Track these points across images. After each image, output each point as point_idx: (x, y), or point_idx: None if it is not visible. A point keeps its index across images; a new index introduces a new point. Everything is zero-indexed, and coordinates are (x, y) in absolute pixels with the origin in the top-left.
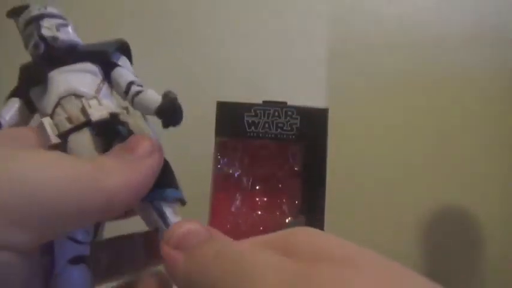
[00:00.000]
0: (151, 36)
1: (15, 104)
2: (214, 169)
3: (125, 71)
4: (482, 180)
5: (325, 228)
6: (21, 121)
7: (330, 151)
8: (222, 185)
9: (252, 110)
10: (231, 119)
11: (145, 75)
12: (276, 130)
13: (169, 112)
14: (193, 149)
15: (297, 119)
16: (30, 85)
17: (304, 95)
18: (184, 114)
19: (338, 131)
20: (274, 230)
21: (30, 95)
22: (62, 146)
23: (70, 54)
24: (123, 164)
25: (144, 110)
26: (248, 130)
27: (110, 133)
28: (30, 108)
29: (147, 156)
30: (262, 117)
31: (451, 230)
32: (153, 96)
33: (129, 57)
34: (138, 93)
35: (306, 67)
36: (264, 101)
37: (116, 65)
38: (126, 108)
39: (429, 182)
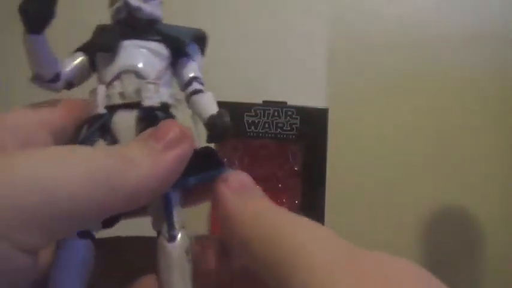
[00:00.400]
0: None
1: (79, 58)
2: None
3: (193, 65)
4: (482, 180)
5: None
6: (80, 77)
7: (330, 151)
8: None
9: (252, 110)
10: (231, 119)
11: None
12: (276, 130)
13: (218, 129)
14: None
15: (297, 119)
16: (99, 49)
17: (304, 95)
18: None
19: (338, 131)
20: None
21: (96, 56)
22: (106, 118)
23: (148, 29)
24: (148, 154)
25: (196, 112)
26: (248, 130)
27: (155, 121)
28: (92, 67)
29: (174, 146)
30: (262, 117)
31: (451, 230)
32: (210, 102)
33: (203, 50)
34: (197, 91)
35: (306, 67)
36: (264, 101)
37: (187, 55)
38: (180, 101)
39: (429, 182)
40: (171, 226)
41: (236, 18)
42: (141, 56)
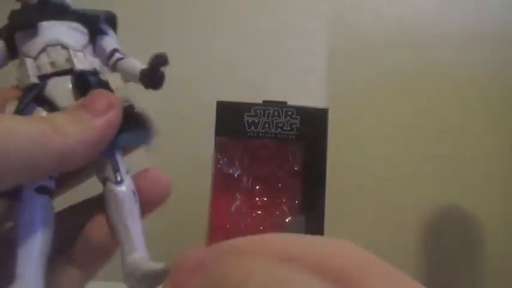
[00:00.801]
0: (151, 36)
1: None
2: (214, 169)
3: (110, 39)
4: (482, 180)
5: (325, 228)
6: None
7: (330, 151)
8: (222, 185)
9: (252, 110)
10: (231, 119)
11: None
12: (276, 130)
13: (152, 78)
14: (193, 149)
15: (297, 119)
16: (18, 28)
17: (304, 95)
18: (185, 114)
19: (338, 131)
20: (274, 230)
21: (15, 37)
22: (41, 87)
23: (61, 13)
24: (76, 122)
25: (126, 75)
26: (248, 130)
27: (88, 86)
28: (10, 53)
29: (103, 113)
30: (262, 117)
31: (451, 230)
32: (135, 63)
33: (115, 29)
34: (120, 59)
35: (306, 67)
36: (264, 101)
37: (103, 32)
38: (107, 71)
39: (429, 182)
40: (117, 171)
41: (236, 18)
42: (64, 31)
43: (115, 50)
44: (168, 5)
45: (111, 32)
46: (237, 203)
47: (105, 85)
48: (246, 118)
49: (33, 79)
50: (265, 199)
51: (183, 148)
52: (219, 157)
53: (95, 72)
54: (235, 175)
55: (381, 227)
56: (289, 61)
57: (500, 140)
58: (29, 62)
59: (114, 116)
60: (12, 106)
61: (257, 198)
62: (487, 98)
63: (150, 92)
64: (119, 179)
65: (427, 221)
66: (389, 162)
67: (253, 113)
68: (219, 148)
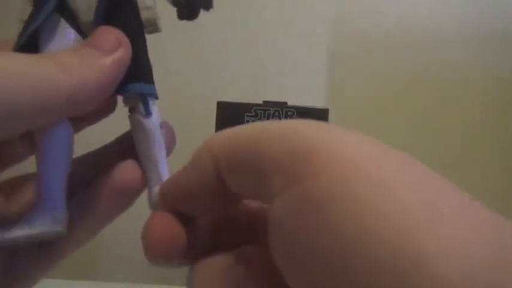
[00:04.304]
0: (151, 36)
1: None
2: None
3: None
4: (482, 180)
5: None
6: None
7: None
8: None
9: (252, 110)
10: (231, 119)
11: None
12: None
13: (190, 5)
14: (193, 149)
15: (297, 119)
16: None
17: (304, 95)
18: (185, 114)
19: None
20: None
21: None
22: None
23: None
24: (84, 62)
25: None
26: None
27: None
28: None
29: (110, 52)
30: (262, 117)
31: None
32: None
33: None
34: None
35: (306, 67)
36: (264, 101)
37: None
38: None
39: None
40: (145, 103)
41: (236, 18)
42: None
43: None
44: (168, 6)
45: None
46: None
47: (131, 5)
48: (246, 118)
49: None
50: None
51: (183, 148)
52: None
53: None
54: None
55: None
56: (289, 61)
57: (501, 140)
58: None
59: (121, 56)
60: (25, 7)
61: None
62: (487, 98)
63: None
64: (148, 111)
65: None
66: None
67: (253, 113)
68: None
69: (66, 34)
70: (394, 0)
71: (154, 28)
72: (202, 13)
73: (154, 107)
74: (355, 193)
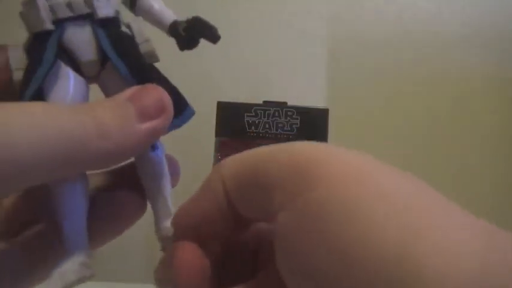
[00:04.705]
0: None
1: None
2: None
3: None
4: (481, 180)
5: None
6: None
7: None
8: None
9: (252, 110)
10: (231, 119)
11: None
12: (276, 130)
13: (199, 27)
14: (193, 149)
15: (297, 119)
16: None
17: (304, 95)
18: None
19: (338, 131)
20: None
21: None
22: (58, 35)
23: None
24: (123, 127)
25: (151, 20)
26: (248, 130)
27: (113, 34)
28: None
29: (152, 117)
30: (262, 117)
31: None
32: (163, 9)
33: None
34: None
35: (306, 67)
36: (264, 101)
37: None
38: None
39: (429, 182)
40: None
41: (236, 18)
42: None
43: None
44: (168, 5)
45: None
46: None
47: (130, 40)
48: (246, 118)
49: (49, 25)
50: None
51: (183, 148)
52: (219, 157)
53: (116, 20)
54: None
55: None
56: (289, 61)
57: (501, 140)
58: (40, 2)
59: (164, 122)
60: (17, 55)
61: None
62: (487, 98)
63: None
64: (155, 145)
65: None
66: (389, 163)
67: (253, 113)
68: (219, 148)
69: (67, 78)
70: (394, 0)
71: (155, 59)
72: (203, 13)
73: (161, 145)
74: (350, 204)
